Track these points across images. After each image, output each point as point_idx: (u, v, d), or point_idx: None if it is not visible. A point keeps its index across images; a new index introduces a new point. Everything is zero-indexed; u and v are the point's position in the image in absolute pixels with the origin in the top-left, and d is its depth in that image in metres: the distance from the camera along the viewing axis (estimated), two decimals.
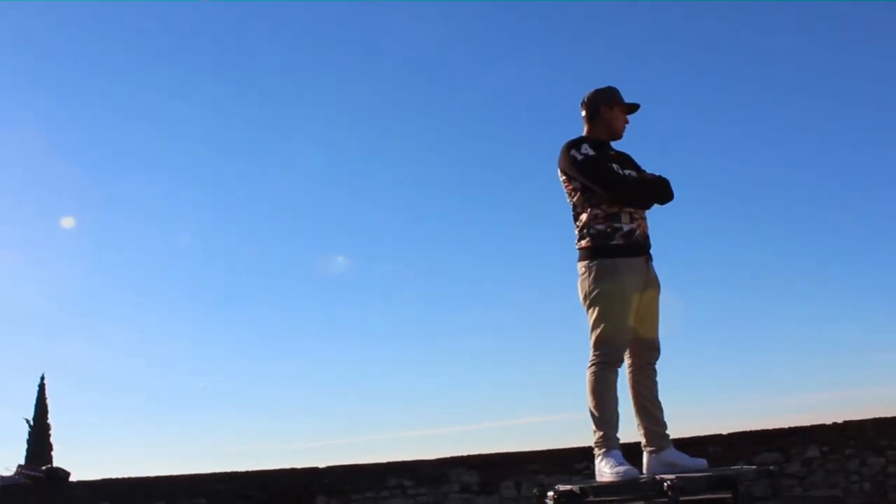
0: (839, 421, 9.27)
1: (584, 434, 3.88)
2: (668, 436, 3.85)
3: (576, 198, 3.75)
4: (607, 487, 3.46)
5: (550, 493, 3.46)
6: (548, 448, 9.91)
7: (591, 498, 3.44)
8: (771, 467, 3.75)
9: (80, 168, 25.37)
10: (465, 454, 10.18)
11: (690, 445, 9.42)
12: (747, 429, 9.66)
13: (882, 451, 8.89)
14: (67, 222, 23.13)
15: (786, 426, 9.47)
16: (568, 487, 3.48)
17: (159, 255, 26.31)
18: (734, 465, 9.24)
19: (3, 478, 8.57)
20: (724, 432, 9.66)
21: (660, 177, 3.82)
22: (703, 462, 3.73)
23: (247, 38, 25.11)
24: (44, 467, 9.23)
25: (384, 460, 10.26)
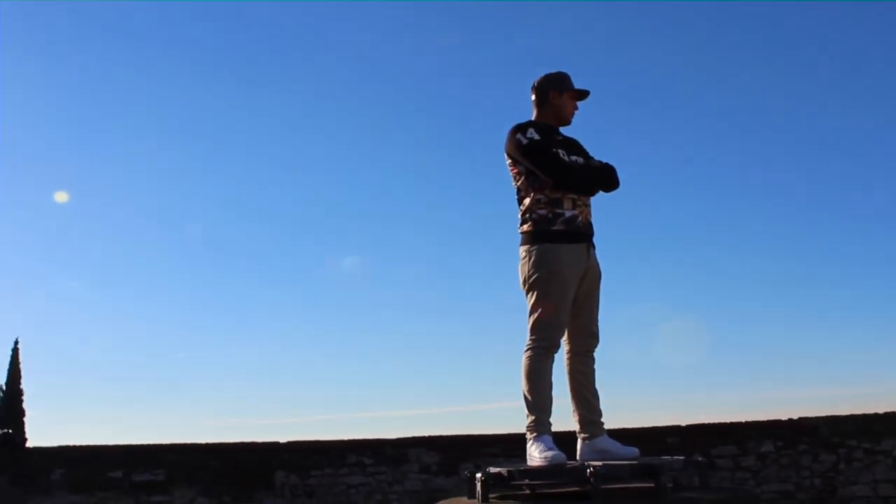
0: (794, 417, 9.41)
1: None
2: (602, 423, 3.85)
3: (520, 182, 3.74)
4: (534, 471, 3.48)
5: (478, 475, 3.48)
6: (508, 432, 10.01)
7: (518, 481, 3.46)
8: (699, 458, 3.78)
9: (76, 144, 25.25)
10: (425, 435, 10.26)
11: (649, 436, 9.57)
12: (705, 422, 9.80)
13: (834, 449, 9.03)
14: (61, 197, 22.97)
15: (743, 420, 9.61)
16: (497, 470, 3.51)
17: (145, 232, 26.25)
18: (689, 457, 9.34)
19: None
20: (683, 424, 9.79)
21: (606, 164, 3.81)
22: (634, 451, 3.75)
23: (252, 31, 25.04)
24: None
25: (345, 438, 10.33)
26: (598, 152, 3.97)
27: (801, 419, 9.33)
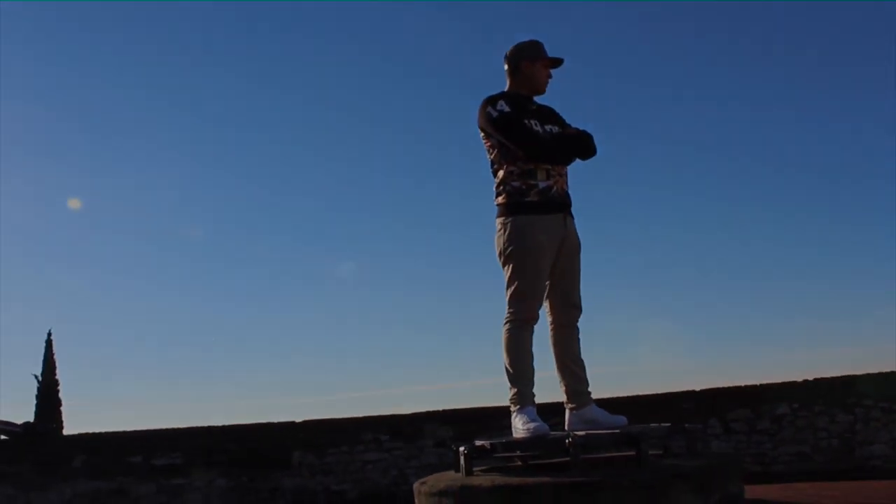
0: (810, 378, 9.30)
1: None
2: (589, 393, 3.82)
3: (493, 154, 3.70)
4: (516, 443, 3.47)
5: (462, 448, 3.48)
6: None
7: (500, 453, 3.45)
8: (686, 425, 3.74)
9: (89, 151, 25.66)
10: (440, 409, 10.29)
11: (663, 402, 9.52)
12: (719, 385, 9.72)
13: (850, 409, 8.92)
14: (74, 203, 23.42)
15: (757, 383, 9.51)
16: (481, 443, 3.50)
17: (162, 232, 26.70)
18: (706, 422, 9.27)
19: None
20: (697, 389, 9.72)
21: (582, 131, 3.75)
22: (622, 419, 3.72)
23: (257, 36, 25.21)
24: (20, 422, 9.34)
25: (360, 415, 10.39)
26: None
27: (816, 380, 9.22)
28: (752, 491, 4.32)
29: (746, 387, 9.50)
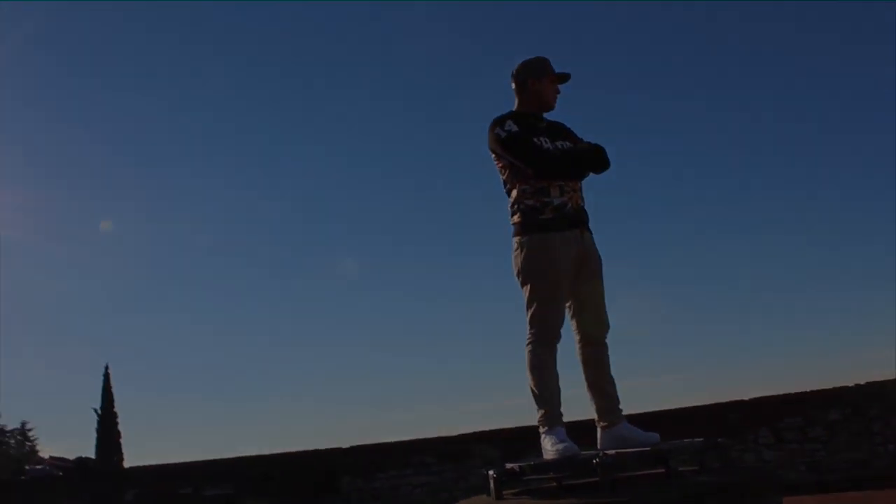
0: (862, 382, 9.05)
1: None
2: (620, 410, 3.78)
3: (505, 175, 3.71)
4: (546, 465, 3.45)
5: (490, 472, 3.48)
6: (571, 420, 9.88)
7: (530, 476, 3.44)
8: (719, 439, 3.68)
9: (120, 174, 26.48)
10: (486, 429, 10.25)
11: (711, 413, 9.35)
12: (769, 394, 9.52)
13: None
14: (106, 225, 24.06)
15: (807, 389, 9.30)
16: (511, 466, 3.49)
17: (190, 257, 27.32)
18: (756, 432, 9.06)
19: (35, 469, 8.90)
20: (746, 398, 9.53)
21: (595, 145, 3.73)
22: (654, 436, 3.66)
23: (261, 37, 25.80)
24: (73, 458, 9.56)
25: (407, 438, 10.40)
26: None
27: (868, 384, 8.97)
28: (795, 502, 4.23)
29: (796, 394, 9.28)
